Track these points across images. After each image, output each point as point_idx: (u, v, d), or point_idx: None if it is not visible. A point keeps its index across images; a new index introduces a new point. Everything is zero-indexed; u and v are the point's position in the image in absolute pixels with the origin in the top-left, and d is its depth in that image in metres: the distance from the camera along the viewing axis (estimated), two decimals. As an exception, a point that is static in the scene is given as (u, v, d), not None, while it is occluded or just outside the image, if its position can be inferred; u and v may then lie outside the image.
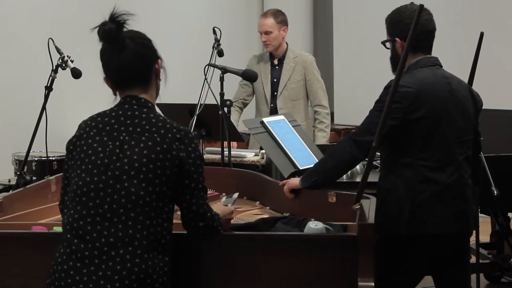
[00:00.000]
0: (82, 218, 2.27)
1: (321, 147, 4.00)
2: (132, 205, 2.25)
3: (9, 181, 4.80)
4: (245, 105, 5.36)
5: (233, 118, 4.99)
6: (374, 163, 3.06)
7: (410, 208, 2.88)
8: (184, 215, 2.38)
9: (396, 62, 2.99)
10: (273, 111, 5.13)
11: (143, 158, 2.27)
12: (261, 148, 4.54)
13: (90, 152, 2.32)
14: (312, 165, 3.36)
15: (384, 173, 2.98)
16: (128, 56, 2.35)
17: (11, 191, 3.90)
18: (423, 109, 2.87)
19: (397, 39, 3.01)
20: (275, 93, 5.17)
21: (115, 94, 2.43)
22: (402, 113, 2.85)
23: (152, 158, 2.27)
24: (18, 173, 4.04)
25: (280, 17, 5.18)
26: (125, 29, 2.37)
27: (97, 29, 2.34)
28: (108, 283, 2.20)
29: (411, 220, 2.88)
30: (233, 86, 5.30)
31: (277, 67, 5.19)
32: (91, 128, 2.36)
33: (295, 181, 3.17)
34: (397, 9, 3.07)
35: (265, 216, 3.10)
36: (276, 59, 5.22)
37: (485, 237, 4.86)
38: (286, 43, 5.24)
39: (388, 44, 3.08)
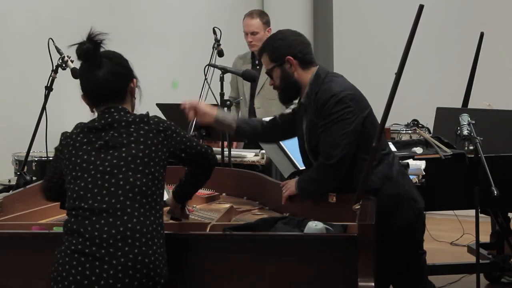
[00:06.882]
0: (82, 212, 2.34)
1: None
2: (130, 186, 2.35)
3: (9, 181, 4.80)
4: (238, 103, 5.38)
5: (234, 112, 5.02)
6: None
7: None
8: (191, 161, 2.61)
9: (288, 84, 3.06)
10: (251, 111, 5.15)
11: (135, 146, 2.40)
12: (261, 148, 4.54)
13: (81, 154, 2.41)
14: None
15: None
16: (104, 73, 2.47)
17: (11, 191, 3.90)
18: (368, 105, 3.03)
19: (288, 57, 3.03)
20: (254, 93, 5.18)
21: (92, 111, 2.54)
22: (357, 115, 2.94)
23: (141, 141, 2.41)
24: (18, 173, 4.05)
25: (265, 18, 5.19)
26: (102, 49, 2.49)
27: (76, 47, 2.47)
28: (112, 275, 2.24)
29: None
30: (233, 86, 5.32)
31: (258, 67, 5.18)
32: (77, 134, 2.46)
33: (293, 187, 3.15)
34: (272, 36, 3.18)
35: (265, 216, 3.10)
36: (257, 59, 5.21)
37: (485, 237, 4.86)
38: None
39: (275, 72, 3.09)
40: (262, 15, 5.21)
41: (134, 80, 2.57)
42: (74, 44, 2.47)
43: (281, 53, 3.04)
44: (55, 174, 2.55)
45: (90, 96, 2.51)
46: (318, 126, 2.99)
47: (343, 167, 2.95)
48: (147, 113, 2.50)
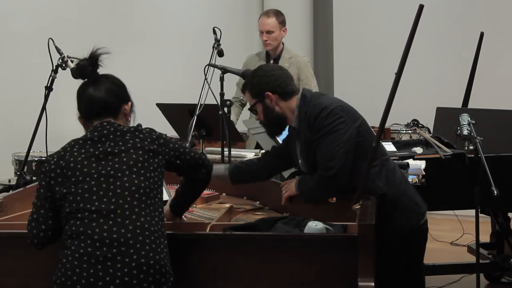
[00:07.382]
0: (89, 214, 2.34)
1: None
2: (135, 188, 2.36)
3: (9, 181, 4.79)
4: (243, 105, 5.36)
5: (234, 111, 5.00)
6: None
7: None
8: (187, 169, 2.62)
9: (271, 119, 3.10)
10: None
11: (134, 151, 2.42)
12: (261, 148, 4.54)
13: (80, 160, 2.41)
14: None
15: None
16: (100, 90, 2.52)
17: (11, 191, 3.90)
18: (360, 116, 3.04)
19: (267, 93, 3.07)
20: None
21: (86, 132, 2.54)
22: (349, 125, 2.94)
23: (139, 147, 2.44)
24: (18, 173, 4.04)
25: (281, 17, 5.23)
26: (100, 67, 2.55)
27: (75, 65, 2.54)
28: (127, 273, 2.26)
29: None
30: (233, 86, 5.30)
31: None
32: (72, 147, 2.46)
33: (293, 187, 3.16)
34: (252, 72, 3.20)
35: (265, 216, 3.11)
36: (271, 59, 5.23)
37: (485, 237, 4.86)
38: (283, 42, 5.26)
39: (258, 108, 3.12)
40: (278, 14, 5.24)
41: (130, 103, 2.59)
42: (75, 58, 2.53)
43: (261, 89, 3.09)
44: (51, 208, 2.43)
45: (84, 111, 2.53)
46: (313, 141, 2.99)
47: (342, 177, 2.92)
48: (139, 125, 2.53)
